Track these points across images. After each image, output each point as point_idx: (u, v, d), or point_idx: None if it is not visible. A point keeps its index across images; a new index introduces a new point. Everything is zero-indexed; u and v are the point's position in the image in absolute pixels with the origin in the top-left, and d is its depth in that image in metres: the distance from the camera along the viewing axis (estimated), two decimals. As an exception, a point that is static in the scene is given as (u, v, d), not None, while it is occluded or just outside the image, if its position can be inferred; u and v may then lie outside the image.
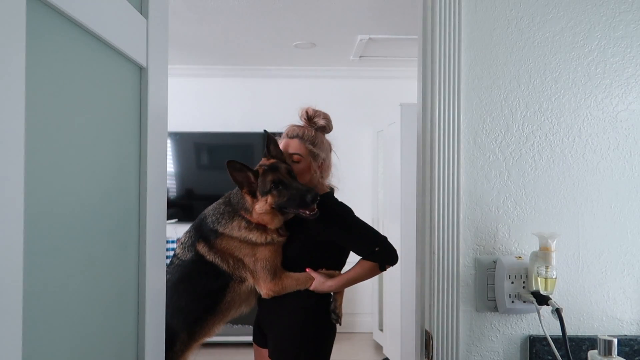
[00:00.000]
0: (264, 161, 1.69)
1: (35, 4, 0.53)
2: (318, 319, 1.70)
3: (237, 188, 1.70)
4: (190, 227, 1.75)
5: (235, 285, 1.68)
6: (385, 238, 1.66)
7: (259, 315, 1.82)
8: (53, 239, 0.58)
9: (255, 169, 1.65)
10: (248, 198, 1.65)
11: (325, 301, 1.71)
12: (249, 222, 1.66)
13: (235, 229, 1.66)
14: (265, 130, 1.76)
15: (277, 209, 1.63)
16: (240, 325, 3.65)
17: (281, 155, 1.69)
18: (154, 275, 0.89)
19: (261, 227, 1.66)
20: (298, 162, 1.70)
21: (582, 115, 1.22)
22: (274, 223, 1.66)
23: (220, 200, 1.75)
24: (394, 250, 1.64)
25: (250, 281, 1.68)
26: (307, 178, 1.72)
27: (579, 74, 1.21)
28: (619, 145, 1.21)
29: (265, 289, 1.66)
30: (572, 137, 1.21)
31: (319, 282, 1.65)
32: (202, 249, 1.67)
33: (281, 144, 1.75)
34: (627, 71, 1.22)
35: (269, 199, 1.62)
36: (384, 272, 1.71)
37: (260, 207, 1.63)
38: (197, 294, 1.67)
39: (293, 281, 1.68)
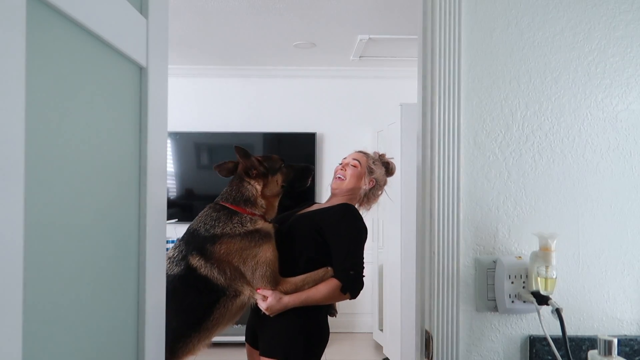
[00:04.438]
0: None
1: (35, 4, 0.53)
2: (310, 323, 1.70)
3: (220, 197, 1.72)
4: (179, 242, 1.68)
5: (227, 301, 1.61)
6: (363, 269, 1.71)
7: (252, 316, 1.82)
8: (53, 239, 0.58)
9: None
10: (256, 183, 1.69)
11: (318, 306, 1.69)
12: (250, 218, 1.65)
13: (238, 226, 1.62)
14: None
15: (284, 188, 1.74)
16: (240, 325, 3.66)
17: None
18: (154, 275, 0.89)
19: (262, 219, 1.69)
20: (355, 167, 1.87)
21: (582, 115, 1.21)
22: (275, 209, 1.75)
23: (206, 211, 1.70)
24: (362, 284, 1.68)
25: (246, 293, 1.63)
26: (358, 184, 1.87)
27: (579, 74, 1.21)
28: (619, 145, 1.21)
29: (266, 303, 1.62)
30: (572, 137, 1.21)
31: (274, 299, 1.61)
32: (196, 262, 1.60)
33: (347, 157, 1.94)
34: (627, 71, 1.22)
35: (279, 178, 1.70)
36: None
37: (272, 188, 1.71)
38: (181, 309, 1.58)
39: (293, 287, 1.65)
